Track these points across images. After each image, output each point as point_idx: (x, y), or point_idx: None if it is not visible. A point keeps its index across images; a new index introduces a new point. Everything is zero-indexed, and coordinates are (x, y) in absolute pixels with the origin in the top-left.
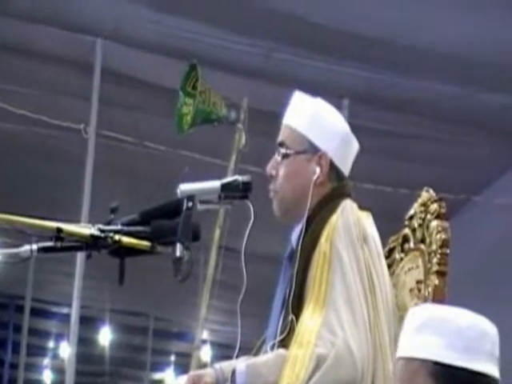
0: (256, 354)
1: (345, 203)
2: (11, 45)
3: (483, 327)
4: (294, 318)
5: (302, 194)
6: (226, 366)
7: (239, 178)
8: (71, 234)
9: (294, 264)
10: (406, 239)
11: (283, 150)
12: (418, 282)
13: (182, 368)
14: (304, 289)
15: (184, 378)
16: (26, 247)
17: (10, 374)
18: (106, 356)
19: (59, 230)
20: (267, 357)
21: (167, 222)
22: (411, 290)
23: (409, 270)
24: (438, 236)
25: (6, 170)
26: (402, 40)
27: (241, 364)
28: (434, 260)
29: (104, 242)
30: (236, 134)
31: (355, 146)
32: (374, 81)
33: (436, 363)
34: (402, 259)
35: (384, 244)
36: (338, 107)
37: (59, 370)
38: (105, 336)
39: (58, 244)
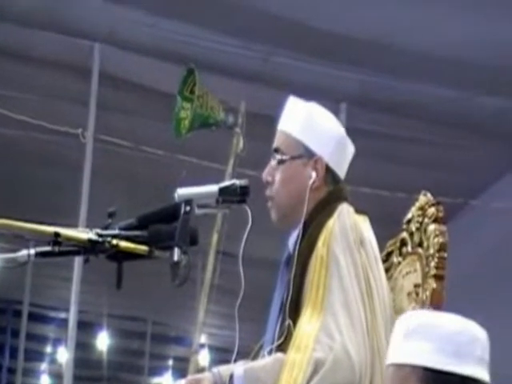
0: (254, 358)
1: (341, 207)
2: (8, 50)
3: (473, 332)
4: (292, 323)
5: (298, 199)
6: (224, 370)
7: (237, 182)
8: (69, 239)
9: (291, 269)
10: (403, 243)
11: (279, 156)
12: (416, 285)
13: (180, 372)
14: (301, 293)
15: (182, 382)
16: (24, 252)
17: (7, 378)
18: (104, 361)
19: (57, 234)
20: (265, 361)
21: (165, 226)
22: (409, 294)
23: (406, 273)
24: (436, 240)
25: (4, 174)
26: (399, 43)
27: (239, 368)
28: (432, 264)
29: (102, 246)
30: (234, 138)
31: (350, 149)
32: (372, 84)
33: (426, 369)
34: (399, 263)
35: (382, 248)
36: (336, 111)
37: (57, 375)
38: (103, 341)
39: (56, 248)
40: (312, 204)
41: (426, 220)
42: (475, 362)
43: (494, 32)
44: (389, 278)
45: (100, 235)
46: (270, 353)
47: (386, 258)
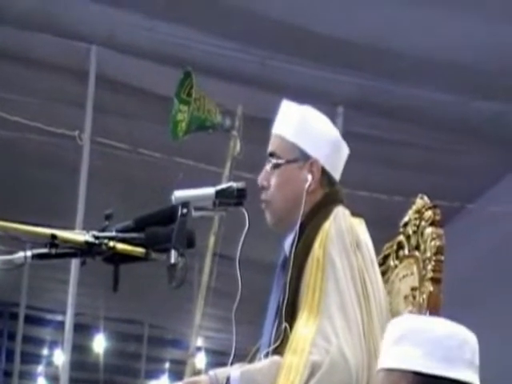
0: (250, 362)
1: (337, 210)
2: (6, 52)
3: (463, 336)
4: (288, 326)
5: (294, 202)
6: (220, 372)
7: (234, 184)
8: (66, 241)
9: (287, 272)
10: (400, 246)
11: (274, 160)
12: (413, 288)
13: (177, 375)
14: (297, 296)
15: None
16: (20, 254)
17: (4, 381)
18: (101, 363)
19: (54, 236)
20: (262, 364)
21: (162, 228)
22: (406, 297)
23: (403, 276)
24: (433, 243)
25: (0, 176)
26: (397, 48)
27: (235, 371)
28: (429, 267)
29: (98, 248)
30: (231, 141)
31: (345, 150)
32: (369, 88)
33: (416, 373)
34: (396, 266)
35: (379, 251)
36: (333, 115)
37: (53, 378)
38: (99, 343)
39: (53, 251)
40: (308, 207)
41: (423, 223)
42: (465, 366)
43: (491, 36)
44: (386, 281)
45: (97, 237)
46: (266, 356)
47: (383, 261)
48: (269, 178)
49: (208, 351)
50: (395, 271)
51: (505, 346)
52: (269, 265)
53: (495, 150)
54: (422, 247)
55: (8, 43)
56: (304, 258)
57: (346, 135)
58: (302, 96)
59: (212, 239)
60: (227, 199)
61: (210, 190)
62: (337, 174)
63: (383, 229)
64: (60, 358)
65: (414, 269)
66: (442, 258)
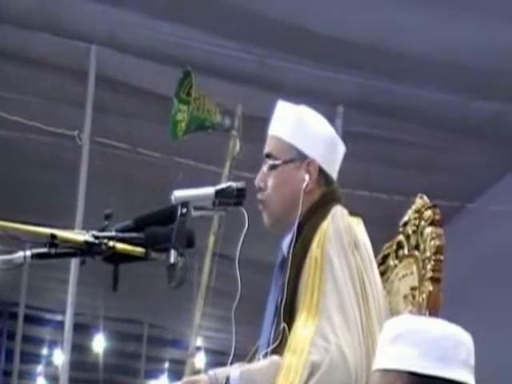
0: (250, 362)
1: (335, 209)
2: (6, 52)
3: (458, 336)
4: (286, 327)
5: (292, 203)
6: (220, 372)
7: (233, 184)
8: (65, 241)
9: (285, 272)
10: (400, 246)
11: (271, 162)
12: (413, 288)
13: (176, 375)
14: (296, 297)
15: None
16: (20, 253)
17: (3, 381)
18: (100, 363)
19: (53, 236)
20: (261, 364)
21: (161, 228)
22: (405, 297)
23: (403, 276)
24: (432, 242)
25: (0, 176)
26: (397, 47)
27: (235, 371)
28: (428, 266)
29: (98, 248)
30: (230, 141)
31: (342, 148)
32: (369, 87)
33: (411, 373)
34: (396, 266)
35: (378, 251)
36: (333, 114)
37: (53, 378)
38: (99, 343)
39: (52, 250)
40: (306, 207)
41: (423, 223)
42: (460, 366)
43: (491, 36)
44: (385, 281)
45: (96, 237)
46: (264, 356)
47: (383, 261)
48: (266, 179)
49: (207, 351)
50: (395, 271)
51: (505, 346)
52: (268, 265)
53: (495, 149)
54: (422, 247)
55: (8, 43)
56: (302, 258)
57: (346, 135)
58: (301, 95)
59: (211, 239)
60: (227, 199)
61: (209, 190)
62: (334, 173)
63: (383, 228)
64: (59, 357)
65: (414, 268)
66: (442, 257)
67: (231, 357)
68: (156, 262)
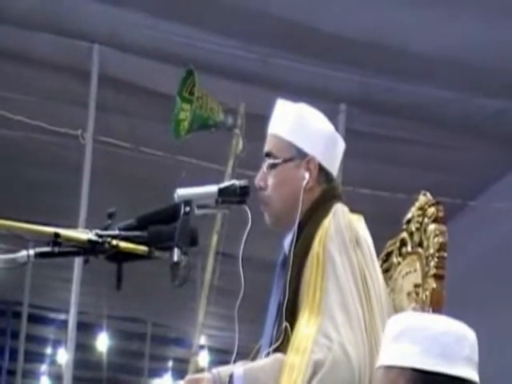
0: (252, 360)
1: (336, 207)
2: (8, 51)
3: (460, 332)
4: (289, 326)
5: (292, 201)
6: (223, 370)
7: (236, 182)
8: (69, 239)
9: (287, 271)
10: (403, 243)
11: (271, 160)
12: (416, 285)
13: (180, 374)
14: (298, 295)
15: (182, 383)
16: (23, 252)
17: (7, 380)
18: (104, 362)
19: (57, 235)
20: (264, 361)
21: (165, 226)
22: (409, 294)
23: (406, 273)
24: (436, 239)
25: (3, 175)
26: (399, 45)
27: (238, 369)
28: (432, 263)
29: (101, 247)
30: (233, 139)
31: (341, 145)
32: (371, 86)
33: (414, 370)
34: (399, 263)
35: (382, 248)
36: (335, 112)
37: (57, 377)
38: (102, 342)
39: (56, 249)
40: (307, 205)
41: (426, 220)
42: (463, 362)
43: (493, 33)
44: (389, 279)
45: (100, 236)
46: (267, 355)
47: (386, 258)
48: (266, 178)
49: (211, 349)
50: (398, 268)
51: (507, 344)
52: (271, 263)
53: (498, 146)
54: (425, 244)
55: (10, 43)
56: (304, 256)
57: (348, 133)
58: (303, 94)
59: (215, 237)
60: (230, 197)
61: (212, 188)
62: (334, 170)
63: (386, 226)
64: (63, 356)
65: (417, 265)
66: (445, 254)
67: (234, 355)
68: (159, 260)
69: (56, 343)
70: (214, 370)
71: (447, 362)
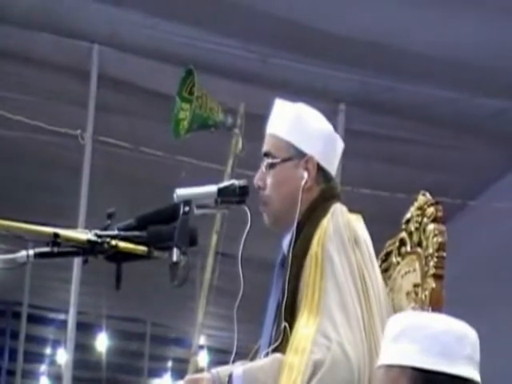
0: (252, 361)
1: (335, 207)
2: (8, 51)
3: (462, 331)
4: (288, 326)
5: (291, 201)
6: (222, 370)
7: (236, 182)
8: (68, 240)
9: (286, 271)
10: (402, 243)
11: (269, 160)
12: (415, 285)
13: (180, 374)
14: (297, 295)
15: (181, 383)
16: (23, 253)
17: (7, 380)
18: (103, 362)
19: (56, 235)
20: (263, 361)
21: (164, 226)
22: (408, 294)
23: (405, 273)
24: (435, 239)
25: (2, 175)
26: (398, 44)
27: (238, 368)
28: (431, 263)
29: (101, 247)
30: (233, 139)
31: (340, 145)
32: (371, 85)
33: (415, 369)
34: (398, 263)
35: (381, 248)
36: (335, 112)
37: (56, 377)
38: (102, 342)
39: (55, 249)
40: (305, 204)
41: (425, 220)
42: (464, 362)
43: (493, 33)
44: (388, 278)
45: (99, 236)
46: (266, 356)
47: (385, 258)
48: (264, 178)
49: (210, 349)
50: (397, 268)
51: (507, 344)
52: (271, 263)
53: (498, 146)
54: (424, 244)
55: (10, 42)
56: (302, 256)
57: (348, 133)
58: (303, 94)
59: (214, 237)
60: (229, 197)
61: (212, 188)
62: (333, 170)
63: (386, 226)
64: (63, 356)
65: (417, 265)
66: (444, 254)
67: (233, 355)
68: (159, 260)
69: (55, 343)
70: (214, 370)
71: (447, 360)
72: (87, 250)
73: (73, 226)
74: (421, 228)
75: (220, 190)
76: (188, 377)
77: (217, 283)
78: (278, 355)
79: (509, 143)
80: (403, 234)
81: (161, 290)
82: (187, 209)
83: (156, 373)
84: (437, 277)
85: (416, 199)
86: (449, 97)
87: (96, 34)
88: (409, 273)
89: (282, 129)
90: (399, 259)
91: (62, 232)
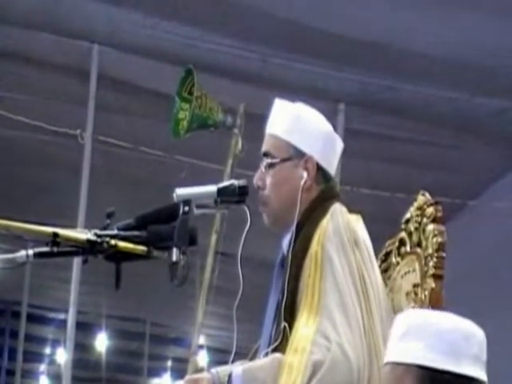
0: (251, 360)
1: (334, 207)
2: (7, 51)
3: (469, 330)
4: (287, 326)
5: (290, 201)
6: (222, 370)
7: (235, 182)
8: (67, 239)
9: (285, 271)
10: (402, 243)
11: (269, 160)
12: (415, 285)
13: (179, 373)
14: (296, 296)
15: (181, 383)
16: (22, 252)
17: (6, 380)
18: (103, 362)
19: (55, 234)
20: (263, 361)
21: (163, 226)
22: (408, 294)
23: (405, 273)
24: (435, 239)
25: (2, 175)
26: (398, 44)
27: (237, 368)
28: (431, 263)
29: (100, 246)
30: (232, 139)
31: (339, 144)
32: (371, 85)
33: (420, 367)
34: (398, 263)
35: (380, 248)
36: (335, 112)
37: (56, 376)
38: (101, 342)
39: (55, 249)
40: (305, 204)
41: (425, 220)
42: (470, 361)
43: (493, 33)
44: (387, 278)
45: (98, 236)
46: (265, 356)
47: (385, 258)
48: (264, 177)
49: (210, 349)
50: (397, 268)
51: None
52: (270, 263)
53: (497, 146)
54: (424, 244)
55: (10, 42)
56: (302, 256)
57: (348, 132)
58: (303, 93)
59: (214, 237)
60: (229, 197)
61: (211, 188)
62: (332, 170)
63: (385, 226)
64: (62, 356)
65: (416, 265)
66: (444, 254)
67: (233, 355)
68: (158, 260)
69: (55, 343)
70: (213, 370)
71: (453, 359)
72: (87, 249)
73: (72, 225)
74: (420, 228)
75: (220, 190)
76: (188, 377)
77: (216, 283)
78: (277, 355)
79: (509, 143)
80: (403, 234)
81: (160, 289)
82: (187, 209)
83: (155, 372)
84: (436, 277)
85: (416, 199)
86: (449, 97)
87: (96, 33)
88: (408, 273)
89: (281, 129)
90: (399, 259)
91: (62, 232)
